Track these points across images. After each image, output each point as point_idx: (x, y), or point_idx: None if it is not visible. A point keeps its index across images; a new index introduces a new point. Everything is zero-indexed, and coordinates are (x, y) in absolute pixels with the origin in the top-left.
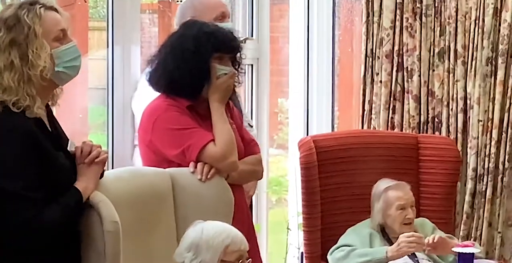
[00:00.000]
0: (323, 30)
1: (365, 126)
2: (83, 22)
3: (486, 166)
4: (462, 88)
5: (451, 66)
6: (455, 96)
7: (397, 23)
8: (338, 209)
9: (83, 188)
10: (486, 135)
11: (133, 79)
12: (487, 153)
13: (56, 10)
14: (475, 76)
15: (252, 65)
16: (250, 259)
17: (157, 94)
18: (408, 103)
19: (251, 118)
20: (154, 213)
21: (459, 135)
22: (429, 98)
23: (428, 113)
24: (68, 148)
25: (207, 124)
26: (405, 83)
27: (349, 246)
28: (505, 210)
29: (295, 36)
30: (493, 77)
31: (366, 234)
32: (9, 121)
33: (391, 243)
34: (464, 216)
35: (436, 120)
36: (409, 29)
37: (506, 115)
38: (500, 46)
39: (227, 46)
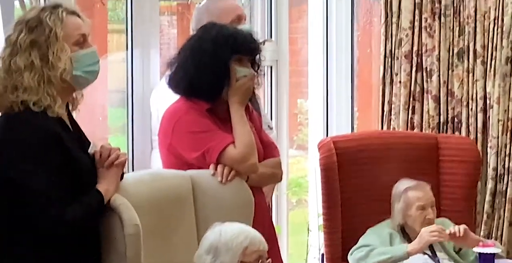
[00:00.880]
0: (342, 31)
1: (385, 127)
2: (103, 25)
3: (506, 166)
4: (481, 87)
5: (470, 66)
6: (474, 96)
7: (416, 24)
8: (359, 210)
9: (104, 190)
10: (506, 135)
11: (152, 82)
12: (507, 153)
13: (78, 15)
14: (494, 75)
15: (271, 67)
16: (269, 259)
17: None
18: (428, 103)
19: (271, 120)
20: (175, 215)
21: (479, 135)
22: (449, 98)
23: (447, 113)
24: (89, 151)
25: (227, 127)
26: (425, 83)
27: (369, 246)
28: None
29: (314, 37)
30: None
31: (386, 234)
32: (30, 121)
33: None
34: (485, 216)
35: (456, 120)
36: (428, 29)
37: None
38: None
39: (246, 48)
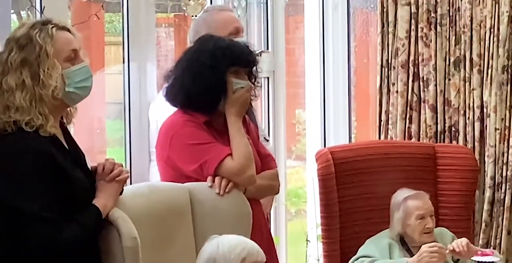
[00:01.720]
0: (339, 41)
1: (382, 137)
2: (99, 37)
3: (504, 174)
4: (478, 96)
5: (467, 75)
6: (471, 104)
7: (412, 33)
8: (357, 220)
9: (102, 205)
10: (504, 143)
11: (149, 94)
12: (504, 161)
13: (68, 30)
14: (491, 84)
15: (268, 78)
16: None
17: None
18: (425, 113)
19: (268, 131)
20: (173, 228)
21: (476, 144)
22: (446, 107)
23: (445, 122)
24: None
25: (224, 139)
26: (421, 92)
27: (368, 257)
28: None
29: (311, 47)
30: (509, 85)
31: (385, 245)
32: (22, 141)
33: (410, 253)
34: (483, 224)
35: (453, 129)
36: (424, 39)
37: None
38: None
39: (243, 60)
